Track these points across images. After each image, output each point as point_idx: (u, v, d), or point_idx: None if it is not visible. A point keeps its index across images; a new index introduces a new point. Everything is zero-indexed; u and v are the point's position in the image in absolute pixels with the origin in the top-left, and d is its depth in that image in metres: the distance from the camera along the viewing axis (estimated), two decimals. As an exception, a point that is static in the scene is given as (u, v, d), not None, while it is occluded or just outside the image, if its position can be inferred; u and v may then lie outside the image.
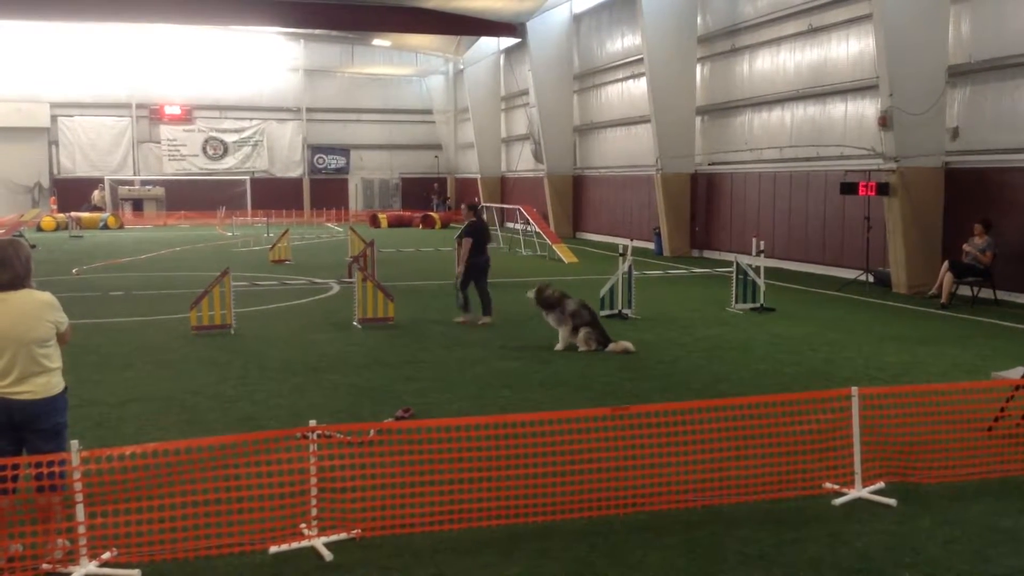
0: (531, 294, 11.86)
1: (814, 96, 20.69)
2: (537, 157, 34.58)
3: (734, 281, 15.01)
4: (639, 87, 27.77)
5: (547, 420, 6.24)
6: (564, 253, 23.78)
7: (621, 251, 14.49)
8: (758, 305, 14.75)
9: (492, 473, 5.69)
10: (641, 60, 26.08)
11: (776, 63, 22.11)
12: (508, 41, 37.17)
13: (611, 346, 11.34)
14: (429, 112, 48.53)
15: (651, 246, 26.31)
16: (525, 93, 35.67)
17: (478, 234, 13.50)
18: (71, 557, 4.97)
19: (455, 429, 5.92)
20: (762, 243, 15.65)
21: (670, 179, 25.32)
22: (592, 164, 32.68)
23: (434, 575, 4.96)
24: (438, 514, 5.52)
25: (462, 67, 43.31)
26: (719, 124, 24.66)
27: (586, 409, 6.85)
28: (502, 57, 39.78)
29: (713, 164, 24.90)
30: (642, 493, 5.86)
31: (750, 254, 15.83)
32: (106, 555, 5.01)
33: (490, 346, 11.75)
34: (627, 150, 29.69)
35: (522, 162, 38.37)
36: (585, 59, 32.34)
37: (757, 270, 14.93)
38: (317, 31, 43.41)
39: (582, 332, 11.41)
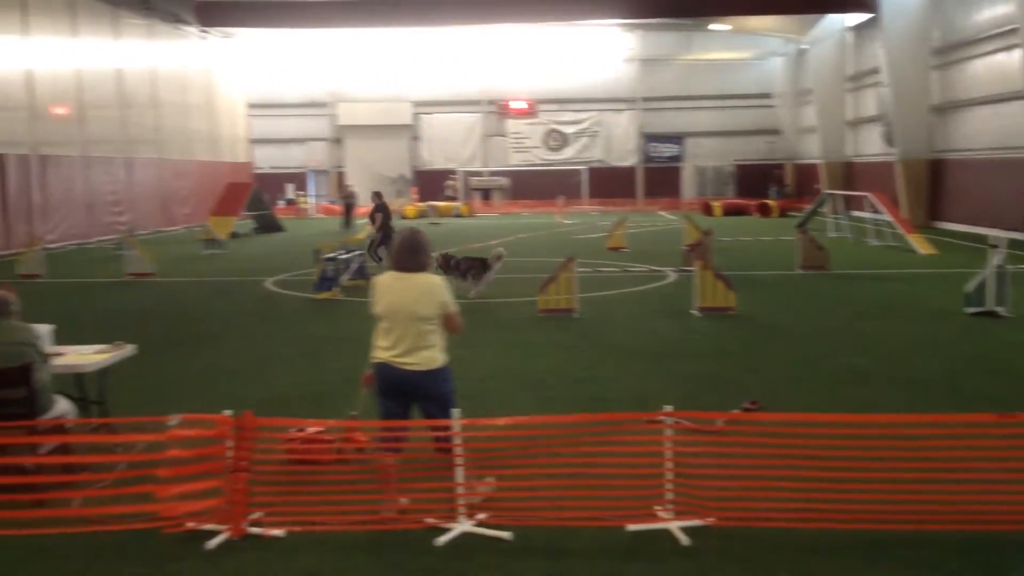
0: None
1: None
2: (888, 140, 32.18)
3: None
4: (1011, 60, 24.81)
5: (910, 423, 5.82)
6: (919, 243, 21.94)
7: (992, 243, 13.07)
8: None
9: (849, 475, 5.41)
10: (1015, 30, 23.27)
11: None
12: (855, 18, 34.89)
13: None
14: (766, 96, 47.00)
15: (1027, 237, 23.42)
16: (875, 71, 33.33)
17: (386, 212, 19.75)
18: (450, 515, 5.45)
19: (806, 425, 5.71)
20: None
21: (1050, 161, 22.40)
22: (953, 146, 29.77)
23: (803, 573, 4.84)
24: (793, 511, 5.36)
25: (804, 47, 41.40)
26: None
27: (958, 414, 6.30)
28: (848, 34, 37.44)
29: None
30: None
31: None
32: (481, 516, 5.46)
33: (838, 342, 11.18)
34: (995, 130, 26.66)
35: (869, 145, 35.92)
36: (947, 31, 29.47)
37: None
38: (653, 20, 43.68)
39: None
